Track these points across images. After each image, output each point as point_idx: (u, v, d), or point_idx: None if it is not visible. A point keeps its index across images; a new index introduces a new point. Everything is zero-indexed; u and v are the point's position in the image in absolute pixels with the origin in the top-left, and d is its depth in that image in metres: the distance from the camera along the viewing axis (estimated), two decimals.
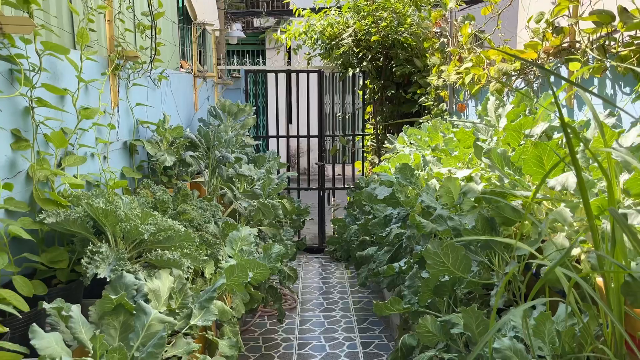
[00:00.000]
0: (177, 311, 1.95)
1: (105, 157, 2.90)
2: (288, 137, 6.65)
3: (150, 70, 3.47)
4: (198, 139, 3.64)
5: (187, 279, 2.19)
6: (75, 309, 1.53)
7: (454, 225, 2.37)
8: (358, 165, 6.83)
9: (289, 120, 8.78)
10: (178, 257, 2.01)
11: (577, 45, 2.77)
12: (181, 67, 5.13)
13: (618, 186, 1.74)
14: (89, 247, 1.87)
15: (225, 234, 3.04)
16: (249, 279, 2.55)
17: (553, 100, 2.95)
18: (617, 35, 2.36)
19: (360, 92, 6.70)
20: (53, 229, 2.11)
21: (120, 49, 2.92)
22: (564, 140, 2.22)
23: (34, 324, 1.38)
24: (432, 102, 5.17)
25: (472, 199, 2.59)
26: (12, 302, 1.67)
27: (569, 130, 2.00)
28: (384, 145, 5.43)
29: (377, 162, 6.11)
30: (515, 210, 2.12)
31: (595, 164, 1.84)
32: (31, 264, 2.02)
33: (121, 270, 1.84)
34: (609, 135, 1.76)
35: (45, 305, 1.54)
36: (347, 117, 7.06)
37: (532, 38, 3.15)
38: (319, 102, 6.36)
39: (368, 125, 6.62)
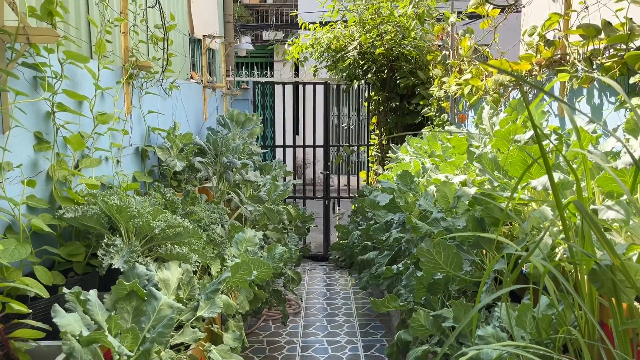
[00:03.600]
0: (185, 301, 2.10)
1: (118, 161, 3.07)
2: (294, 147, 6.81)
3: (162, 79, 3.64)
4: (207, 145, 3.80)
5: (195, 272, 2.33)
6: (92, 294, 1.67)
7: (447, 226, 2.50)
8: (363, 175, 6.97)
9: (295, 131, 8.94)
10: (186, 252, 2.16)
11: (567, 57, 2.91)
12: (191, 77, 5.31)
13: (595, 187, 1.87)
14: (104, 240, 2.03)
15: (231, 235, 3.18)
16: (253, 277, 2.69)
17: (545, 108, 3.09)
18: (603, 48, 2.50)
19: (366, 104, 6.86)
20: (70, 225, 2.27)
21: (134, 59, 3.10)
22: (552, 146, 2.35)
23: (56, 304, 1.52)
24: (435, 113, 5.32)
25: (466, 202, 2.73)
26: (34, 288, 1.82)
27: (556, 135, 2.14)
28: (388, 155, 5.57)
29: (381, 171, 6.25)
30: (503, 211, 2.25)
31: (575, 167, 1.97)
32: (50, 257, 2.17)
33: (134, 261, 1.99)
34: (587, 140, 1.90)
35: (65, 290, 1.68)
36: (351, 127, 7.21)
37: (527, 50, 3.29)
38: (325, 113, 6.52)
39: (373, 136, 6.77)
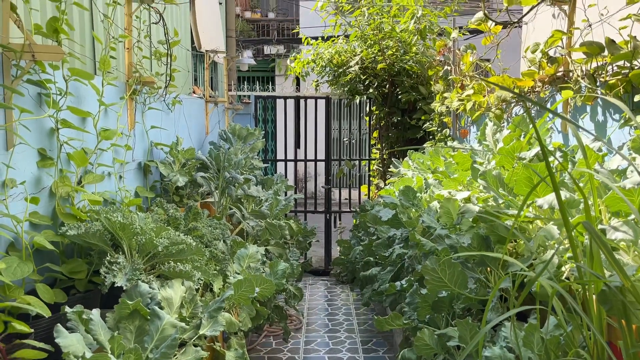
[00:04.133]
0: (187, 319, 2.08)
1: (121, 177, 3.06)
2: (296, 160, 6.81)
3: (165, 95, 3.65)
4: (209, 160, 3.79)
5: (197, 290, 2.31)
6: (95, 313, 1.65)
7: (451, 244, 2.49)
8: (364, 189, 6.96)
9: (297, 145, 8.93)
10: (189, 269, 2.14)
11: (571, 74, 2.91)
12: (193, 92, 5.32)
13: (602, 205, 1.86)
14: (107, 258, 2.01)
15: (233, 251, 3.16)
16: (255, 294, 2.66)
17: (550, 125, 3.08)
18: (606, 65, 2.51)
19: (367, 118, 6.87)
20: (73, 242, 2.25)
21: (138, 74, 3.10)
22: (557, 163, 2.35)
23: (59, 324, 1.50)
24: (437, 128, 5.32)
25: (470, 220, 2.72)
26: (36, 307, 1.80)
27: (559, 153, 2.13)
28: (389, 170, 5.57)
29: (382, 186, 6.24)
30: (509, 229, 2.24)
31: (581, 184, 1.96)
32: (52, 274, 2.15)
33: (137, 279, 1.97)
34: (593, 158, 1.89)
35: (67, 309, 1.66)
36: (352, 142, 7.22)
37: (529, 67, 3.30)
38: (327, 127, 6.53)
39: (374, 150, 6.78)
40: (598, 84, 2.59)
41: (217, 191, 3.80)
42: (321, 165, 6.74)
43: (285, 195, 5.36)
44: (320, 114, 6.56)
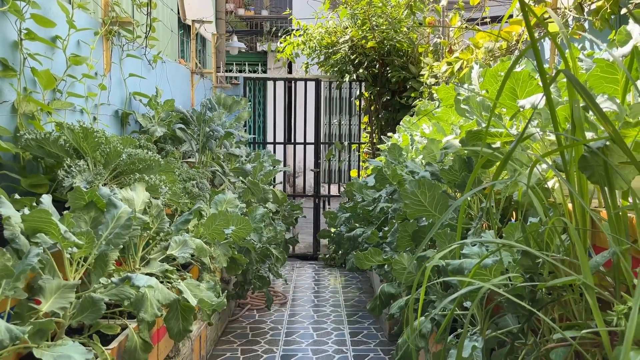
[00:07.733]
0: (154, 234, 1.96)
1: (95, 118, 2.95)
2: (285, 144, 6.73)
3: (145, 47, 3.56)
4: (190, 115, 3.70)
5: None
6: (45, 197, 1.54)
7: (432, 170, 2.39)
8: (354, 173, 6.87)
9: (288, 138, 8.85)
10: (157, 182, 2.03)
11: (558, 13, 2.84)
12: (179, 63, 5.24)
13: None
14: (67, 162, 1.90)
15: (210, 199, 3.06)
16: (230, 231, 2.56)
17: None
18: None
19: (357, 102, 6.80)
20: (35, 157, 2.14)
21: (115, 14, 3.01)
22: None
23: (1, 196, 1.40)
24: (426, 102, 5.25)
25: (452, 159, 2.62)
26: None
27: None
28: (379, 147, 5.49)
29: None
30: (493, 149, 2.14)
31: (565, 90, 1.87)
32: (11, 184, 2.04)
33: (97, 183, 1.86)
34: (577, 53, 1.81)
35: (16, 196, 1.55)
36: (342, 125, 7.15)
37: (517, 16, 3.24)
38: (316, 110, 6.45)
39: (364, 135, 6.71)
40: (585, 13, 2.53)
41: (197, 147, 3.70)
42: (311, 153, 6.62)
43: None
44: (310, 98, 6.47)
